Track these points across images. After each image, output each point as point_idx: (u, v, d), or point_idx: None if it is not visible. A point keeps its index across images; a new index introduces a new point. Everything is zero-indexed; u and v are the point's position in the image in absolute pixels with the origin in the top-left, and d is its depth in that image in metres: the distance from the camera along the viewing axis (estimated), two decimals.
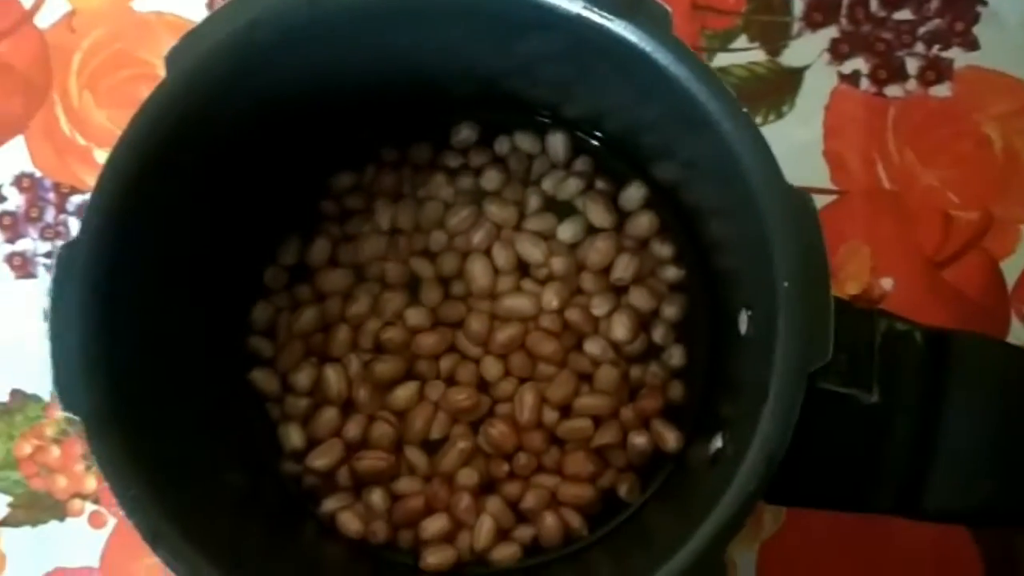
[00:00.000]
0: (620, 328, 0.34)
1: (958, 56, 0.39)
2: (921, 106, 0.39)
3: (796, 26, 0.40)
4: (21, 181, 0.40)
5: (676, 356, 0.35)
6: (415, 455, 0.34)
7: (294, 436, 0.34)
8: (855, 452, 0.27)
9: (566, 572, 0.34)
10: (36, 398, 0.39)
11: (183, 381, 0.32)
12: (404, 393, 0.35)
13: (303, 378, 0.35)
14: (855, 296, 0.38)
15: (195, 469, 0.31)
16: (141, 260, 0.29)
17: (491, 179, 0.36)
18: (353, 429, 0.34)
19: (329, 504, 0.34)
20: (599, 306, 0.35)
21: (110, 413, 0.27)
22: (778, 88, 0.39)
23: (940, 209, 0.39)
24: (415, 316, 0.35)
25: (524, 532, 0.34)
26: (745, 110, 0.26)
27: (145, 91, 0.40)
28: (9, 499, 0.39)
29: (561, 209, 0.36)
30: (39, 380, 0.39)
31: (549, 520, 0.34)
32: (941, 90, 0.39)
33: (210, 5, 0.41)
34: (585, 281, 0.35)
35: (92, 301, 0.27)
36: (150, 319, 0.30)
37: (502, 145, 0.36)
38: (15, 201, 0.40)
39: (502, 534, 0.34)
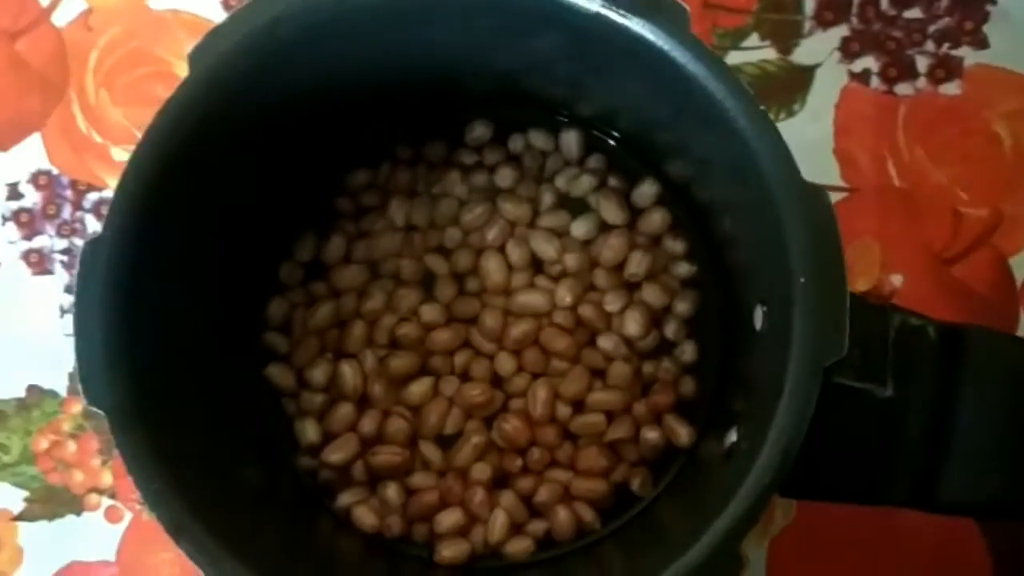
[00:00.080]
0: (633, 324, 0.35)
1: (968, 54, 0.40)
2: (931, 104, 0.39)
3: (807, 24, 0.40)
4: (38, 178, 0.41)
5: (688, 352, 0.35)
6: (430, 450, 0.35)
7: (310, 431, 0.35)
8: (869, 445, 0.28)
9: (579, 566, 0.34)
10: (53, 393, 0.39)
11: (201, 376, 0.32)
12: (419, 388, 0.35)
13: (319, 374, 0.35)
14: (865, 292, 0.38)
15: (213, 463, 0.31)
16: (161, 257, 0.29)
17: (505, 176, 0.36)
18: (368, 424, 0.35)
19: (345, 498, 0.34)
20: (612, 302, 0.35)
21: (133, 408, 0.27)
22: (789, 86, 0.40)
23: (950, 206, 0.39)
24: (430, 312, 0.35)
25: (537, 526, 0.34)
26: (762, 108, 0.26)
27: (161, 89, 0.40)
28: (26, 494, 0.39)
29: (574, 206, 0.36)
30: (56, 376, 0.39)
31: (562, 514, 0.34)
32: (951, 88, 0.39)
33: (225, 3, 0.41)
34: (598, 277, 0.35)
35: (114, 297, 0.28)
36: (169, 315, 0.30)
37: (516, 143, 0.37)
38: (32, 198, 0.40)
39: (516, 528, 0.34)
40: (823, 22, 0.40)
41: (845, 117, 0.39)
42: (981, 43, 0.40)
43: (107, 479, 0.39)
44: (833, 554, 0.37)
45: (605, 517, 0.34)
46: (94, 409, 0.27)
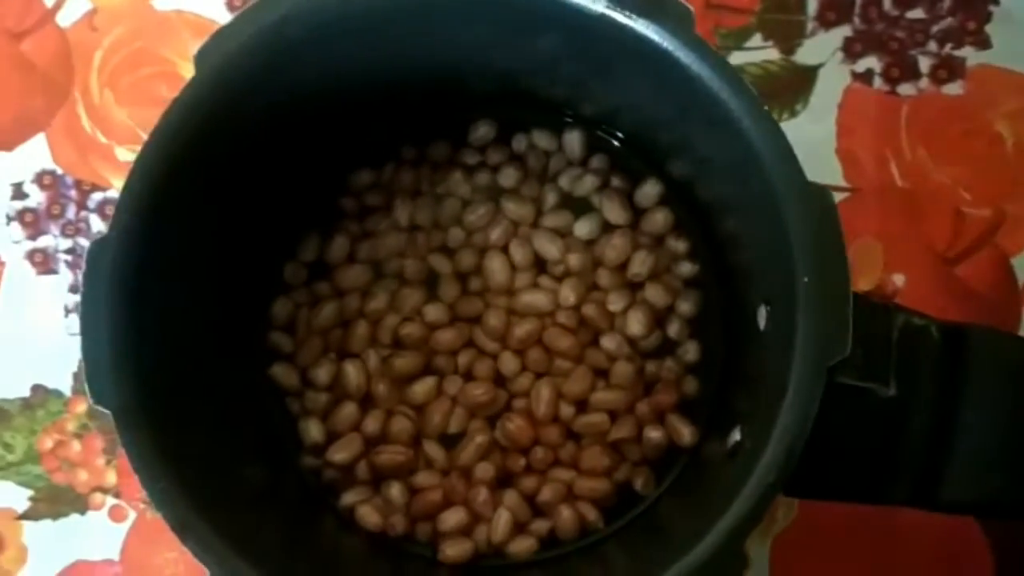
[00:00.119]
0: (636, 324, 0.35)
1: (970, 55, 0.40)
2: (933, 104, 0.39)
3: (810, 25, 0.40)
4: (42, 178, 0.41)
5: (691, 351, 0.35)
6: (433, 449, 0.35)
7: (314, 430, 0.35)
8: (872, 445, 0.28)
9: (582, 565, 0.34)
10: (57, 393, 0.40)
11: (205, 376, 0.32)
12: (422, 388, 0.35)
13: (323, 373, 0.35)
14: (868, 292, 0.38)
15: (217, 463, 0.31)
16: (167, 256, 0.29)
17: (508, 176, 0.36)
18: (372, 424, 0.35)
19: (348, 497, 0.35)
20: (615, 302, 0.35)
21: (138, 407, 0.28)
22: (792, 86, 0.40)
23: (952, 206, 0.39)
24: (433, 312, 0.35)
25: (541, 525, 0.34)
26: (766, 108, 0.26)
27: (165, 89, 0.41)
28: (31, 493, 0.39)
29: (577, 206, 0.36)
30: (60, 375, 0.40)
31: (565, 513, 0.34)
32: (953, 88, 0.40)
33: (229, 4, 0.41)
34: (601, 277, 0.35)
35: (120, 297, 0.28)
36: (174, 315, 0.30)
37: (519, 143, 0.37)
38: (36, 198, 0.41)
39: (519, 527, 0.34)
40: (826, 22, 0.40)
41: (848, 117, 0.39)
42: (983, 43, 0.40)
43: (111, 478, 0.39)
44: (835, 553, 0.37)
45: (608, 516, 0.35)
46: (100, 408, 0.27)
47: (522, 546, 0.34)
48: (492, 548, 0.34)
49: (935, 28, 0.40)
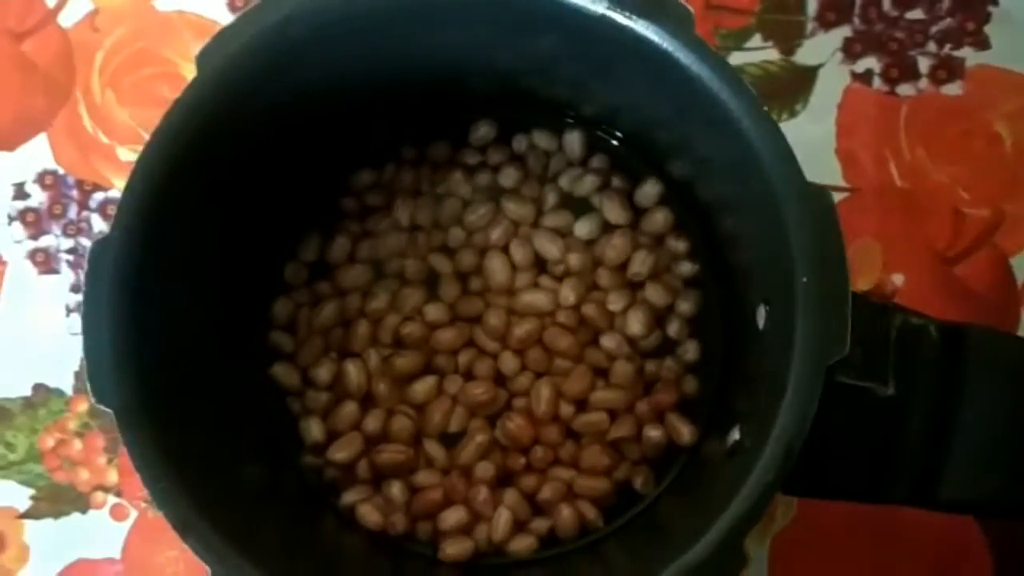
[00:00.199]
0: (635, 323, 0.35)
1: (969, 55, 0.40)
2: (933, 104, 0.40)
3: (809, 25, 0.40)
4: (44, 178, 0.41)
5: (691, 351, 0.35)
6: (433, 448, 0.35)
7: (314, 429, 0.35)
8: (871, 444, 0.28)
9: (582, 563, 0.34)
10: (59, 392, 0.40)
11: (207, 375, 0.32)
12: (423, 387, 0.35)
13: (323, 372, 0.35)
14: (867, 292, 0.38)
15: (218, 462, 0.31)
16: (168, 256, 0.29)
17: (509, 176, 0.36)
18: (372, 423, 0.35)
19: (349, 496, 0.35)
20: (615, 302, 0.35)
21: (140, 406, 0.28)
22: (791, 87, 0.40)
23: (951, 206, 0.39)
24: (434, 311, 0.35)
25: (541, 524, 0.34)
26: (765, 108, 0.26)
27: (167, 89, 0.41)
28: (32, 491, 0.39)
29: (578, 206, 0.36)
30: (62, 374, 0.40)
31: (565, 512, 0.34)
32: (952, 89, 0.40)
33: (231, 4, 0.41)
34: (601, 277, 0.36)
35: (122, 297, 0.28)
36: (175, 314, 0.30)
37: (520, 143, 0.37)
38: (38, 198, 0.41)
39: (519, 526, 0.34)
40: (825, 23, 0.40)
41: (847, 117, 0.40)
42: (982, 44, 0.40)
43: (113, 477, 0.39)
44: (834, 552, 0.38)
45: (608, 515, 0.35)
46: (102, 408, 0.27)
47: (522, 545, 0.34)
48: (492, 547, 0.34)
49: (934, 29, 0.40)
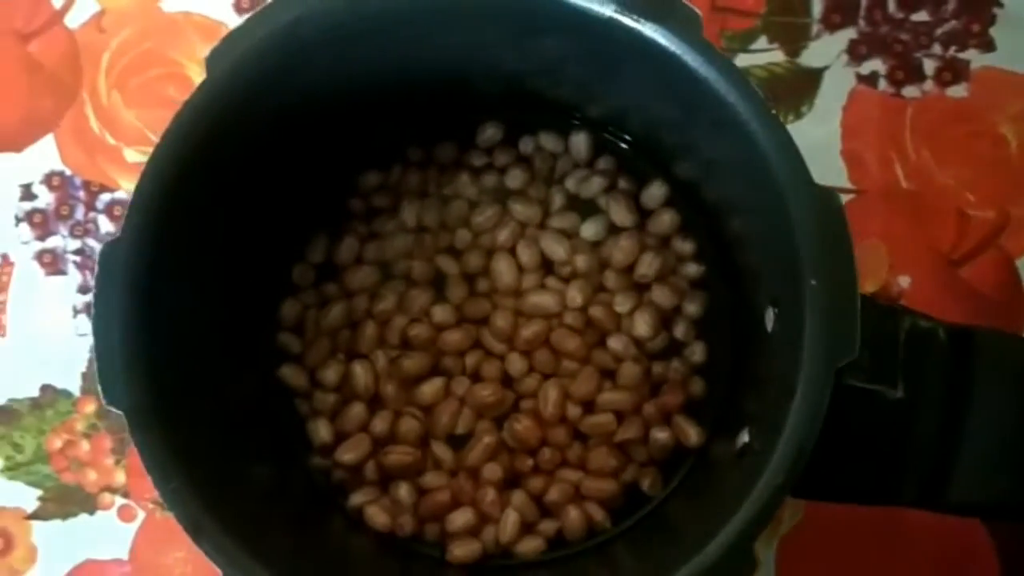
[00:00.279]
0: (642, 325, 0.35)
1: (974, 57, 0.40)
2: (938, 106, 0.40)
3: (815, 27, 0.40)
4: (51, 179, 0.41)
5: (697, 352, 0.35)
6: (441, 450, 0.35)
7: (322, 431, 0.35)
8: (879, 446, 0.28)
9: (590, 565, 0.34)
10: (66, 393, 0.40)
11: (215, 376, 0.32)
12: (430, 389, 0.35)
13: (331, 374, 0.35)
14: (873, 294, 0.39)
15: (227, 464, 0.31)
16: (177, 257, 0.29)
17: (515, 178, 0.37)
18: (380, 424, 0.35)
19: (357, 498, 0.35)
20: (622, 303, 0.35)
21: (150, 408, 0.28)
22: (797, 89, 0.40)
23: (957, 208, 0.39)
24: (441, 313, 0.36)
25: (548, 525, 0.35)
26: (773, 111, 0.27)
27: (173, 90, 0.41)
28: (40, 492, 0.40)
29: (584, 207, 0.36)
30: (69, 375, 0.40)
31: (573, 514, 0.34)
32: (958, 90, 0.40)
33: (237, 5, 0.41)
34: (608, 278, 0.36)
35: (132, 297, 0.28)
36: (183, 315, 0.30)
37: (526, 144, 0.37)
38: (45, 199, 0.41)
39: (527, 527, 0.35)
40: (831, 25, 0.40)
41: (852, 119, 0.40)
42: (988, 46, 0.40)
43: (120, 478, 0.39)
44: (841, 554, 0.38)
45: (615, 517, 0.35)
46: (112, 409, 0.27)
47: (530, 546, 0.34)
48: (500, 548, 0.34)
49: (939, 31, 0.40)
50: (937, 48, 0.40)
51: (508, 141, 0.37)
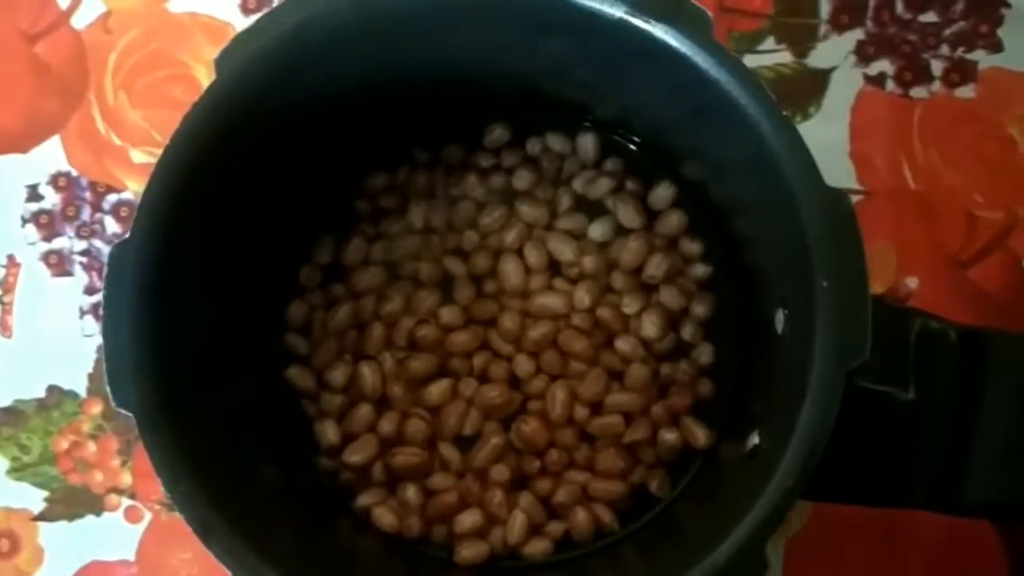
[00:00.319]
0: (650, 326, 0.35)
1: (982, 58, 0.40)
2: (946, 107, 0.40)
3: (823, 28, 0.40)
4: (57, 180, 0.41)
5: (705, 354, 0.35)
6: (448, 451, 0.35)
7: (330, 432, 0.35)
8: (890, 448, 0.28)
9: (598, 567, 0.34)
10: (73, 394, 0.40)
11: (222, 378, 0.32)
12: (437, 390, 0.35)
13: (338, 375, 0.35)
14: (881, 295, 0.39)
15: (235, 465, 0.31)
16: (186, 259, 0.29)
17: (523, 179, 0.36)
18: (387, 425, 0.35)
19: (364, 499, 0.35)
20: (629, 304, 0.35)
21: (159, 409, 0.28)
22: (804, 90, 0.40)
23: (964, 209, 0.39)
24: (448, 314, 0.35)
25: (556, 527, 0.35)
26: (784, 113, 0.26)
27: (180, 91, 0.41)
28: (46, 494, 0.39)
29: (592, 208, 0.36)
30: (76, 376, 0.40)
31: (580, 515, 0.34)
32: (966, 91, 0.40)
33: (243, 6, 0.41)
34: (615, 279, 0.36)
35: (141, 299, 0.28)
36: (191, 316, 0.30)
37: (534, 145, 0.37)
38: (52, 200, 0.41)
39: (534, 529, 0.34)
40: (838, 26, 0.40)
41: (860, 120, 0.40)
42: (995, 46, 0.40)
43: (127, 479, 0.39)
44: (848, 555, 0.38)
45: (623, 518, 0.35)
46: (121, 411, 0.27)
47: (537, 548, 0.34)
48: (507, 550, 0.34)
49: (947, 31, 0.40)
50: (945, 49, 0.40)
51: (515, 142, 0.37)
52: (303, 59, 0.29)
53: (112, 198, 0.41)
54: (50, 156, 0.41)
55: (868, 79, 0.40)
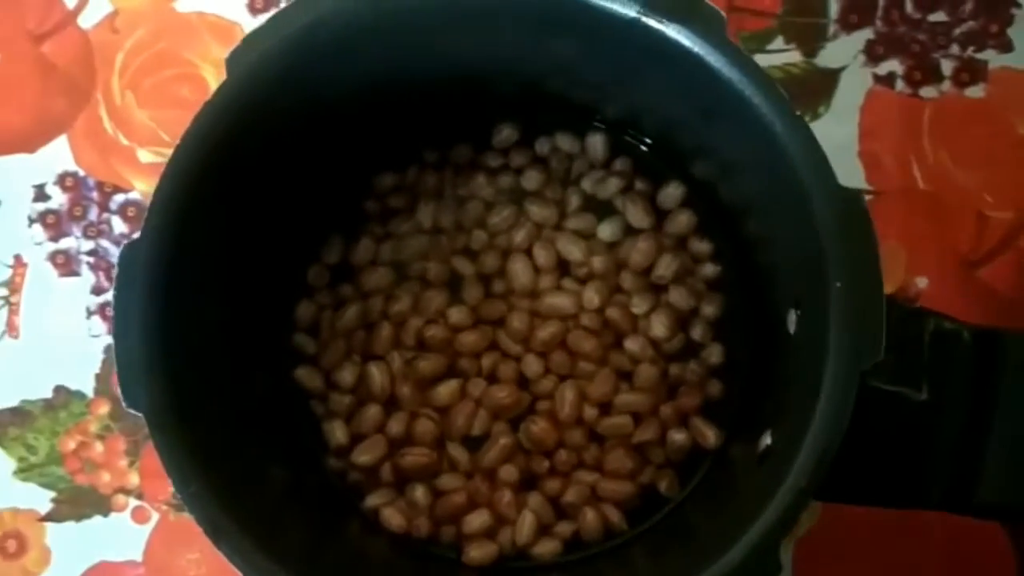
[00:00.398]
0: (659, 326, 0.35)
1: (992, 57, 0.40)
2: (956, 107, 0.39)
3: (832, 28, 0.40)
4: (64, 180, 0.41)
5: (715, 354, 0.35)
6: (457, 451, 0.35)
7: (338, 432, 0.35)
8: (903, 449, 0.28)
9: (607, 567, 0.34)
10: (80, 395, 0.40)
11: (231, 378, 0.32)
12: (446, 390, 0.35)
13: (347, 375, 0.35)
14: (891, 295, 0.38)
15: (244, 465, 0.31)
16: (196, 259, 0.29)
17: (532, 179, 0.36)
18: (396, 426, 0.35)
19: (373, 499, 0.35)
20: (639, 304, 0.35)
21: (169, 409, 0.28)
22: (814, 89, 0.40)
23: (974, 209, 0.39)
24: (457, 314, 0.35)
25: (565, 527, 0.34)
26: (798, 113, 0.26)
27: (187, 91, 0.41)
28: (53, 494, 0.39)
29: (601, 208, 0.36)
30: (83, 377, 0.40)
31: (589, 515, 0.34)
32: (975, 91, 0.39)
33: (251, 6, 0.41)
34: (625, 280, 0.35)
35: (152, 299, 0.28)
36: (201, 316, 0.30)
37: (542, 145, 0.37)
38: (59, 200, 0.41)
39: (543, 529, 0.34)
40: (848, 25, 0.40)
41: (870, 120, 0.39)
42: (1006, 46, 0.40)
43: (134, 480, 0.39)
44: (859, 555, 0.37)
45: (632, 519, 0.35)
46: (131, 411, 0.27)
47: (546, 548, 0.34)
48: (516, 550, 0.34)
49: (957, 31, 0.40)
50: (955, 48, 0.40)
51: (524, 142, 0.37)
52: (313, 59, 0.29)
53: (119, 198, 0.41)
54: (57, 156, 0.41)
55: (877, 79, 0.40)
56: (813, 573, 0.37)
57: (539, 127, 0.37)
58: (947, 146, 0.39)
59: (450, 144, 0.37)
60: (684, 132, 0.34)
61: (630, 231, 0.36)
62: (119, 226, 0.40)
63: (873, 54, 0.40)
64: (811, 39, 0.40)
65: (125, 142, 0.41)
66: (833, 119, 0.39)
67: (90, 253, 0.40)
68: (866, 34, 0.40)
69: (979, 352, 0.28)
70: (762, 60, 0.40)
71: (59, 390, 0.40)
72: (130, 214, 0.40)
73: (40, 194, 0.41)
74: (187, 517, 0.27)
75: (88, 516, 0.39)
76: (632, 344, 0.35)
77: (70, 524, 0.39)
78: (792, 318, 0.30)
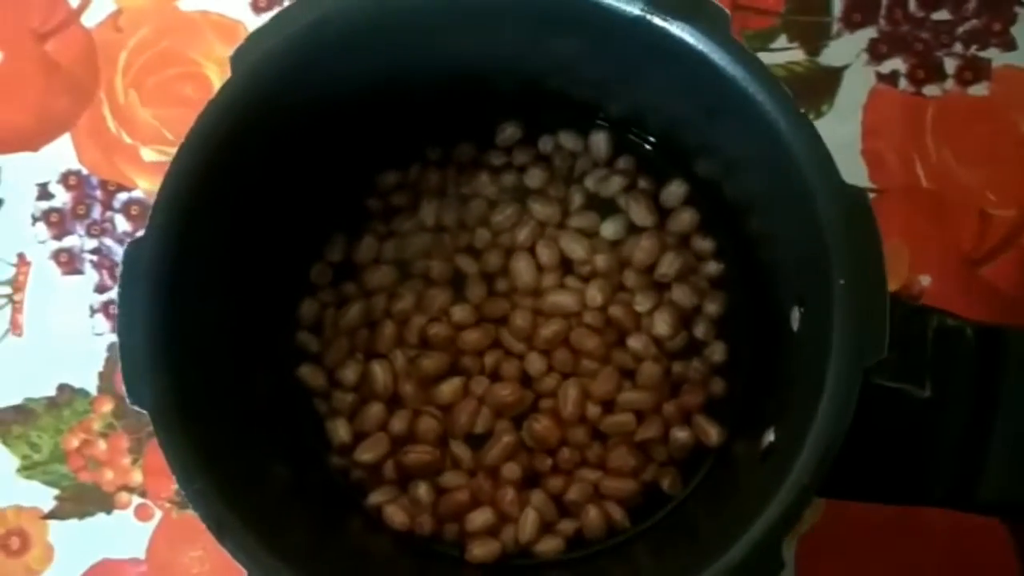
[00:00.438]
0: (662, 324, 0.35)
1: (996, 56, 0.40)
2: (959, 105, 0.39)
3: (835, 26, 0.40)
4: (68, 179, 0.41)
5: (718, 352, 0.35)
6: (460, 449, 0.35)
7: (341, 430, 0.35)
8: (907, 446, 0.28)
9: (610, 565, 0.34)
10: (83, 392, 0.40)
11: (235, 376, 0.32)
12: (449, 388, 0.35)
13: (350, 373, 0.35)
14: (893, 293, 0.38)
15: (248, 463, 0.31)
16: (200, 257, 0.29)
17: (535, 177, 0.36)
18: (399, 423, 0.35)
19: (376, 497, 0.35)
20: (641, 302, 0.35)
21: (173, 407, 0.28)
22: (817, 88, 0.40)
23: (977, 207, 0.39)
24: (460, 312, 0.35)
25: (567, 525, 0.34)
26: (802, 111, 0.26)
27: (190, 89, 0.41)
28: (56, 492, 0.39)
29: (604, 207, 0.36)
30: (86, 375, 0.40)
31: (592, 513, 0.34)
32: (979, 89, 0.39)
33: (254, 5, 0.41)
34: (627, 278, 0.35)
35: (156, 296, 0.28)
36: (204, 314, 0.30)
37: (545, 144, 0.37)
38: (62, 198, 0.41)
39: (546, 527, 0.34)
40: (851, 24, 0.40)
41: (873, 118, 0.39)
42: (1009, 44, 0.40)
43: (137, 477, 0.39)
44: (861, 552, 0.37)
45: (635, 517, 0.35)
46: (135, 408, 0.27)
47: (549, 546, 0.34)
48: (519, 548, 0.34)
49: (960, 29, 0.40)
50: (958, 47, 0.40)
51: (527, 140, 0.37)
52: (317, 57, 0.29)
53: (122, 196, 0.41)
54: (60, 154, 0.41)
55: (881, 77, 0.40)
56: (816, 569, 0.37)
57: (542, 125, 0.37)
58: (950, 144, 0.39)
59: (453, 142, 0.37)
60: (688, 130, 0.34)
61: (633, 229, 0.36)
62: (122, 224, 0.40)
63: (876, 52, 0.40)
64: (814, 37, 0.40)
65: (128, 140, 0.41)
66: (836, 117, 0.39)
67: (93, 251, 0.40)
68: (869, 32, 0.40)
69: (982, 349, 0.28)
70: (765, 58, 0.39)
71: (62, 388, 0.40)
72: (133, 212, 0.40)
73: (43, 192, 0.41)
74: (190, 515, 0.27)
75: (91, 514, 0.39)
76: (635, 342, 0.35)
77: (73, 522, 0.39)
78: (795, 316, 0.30)
